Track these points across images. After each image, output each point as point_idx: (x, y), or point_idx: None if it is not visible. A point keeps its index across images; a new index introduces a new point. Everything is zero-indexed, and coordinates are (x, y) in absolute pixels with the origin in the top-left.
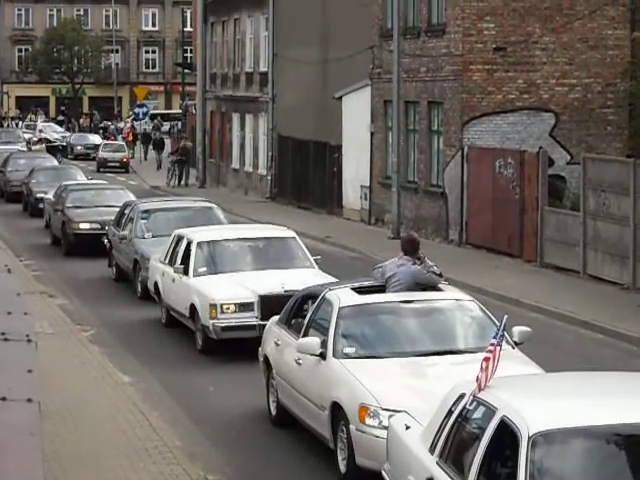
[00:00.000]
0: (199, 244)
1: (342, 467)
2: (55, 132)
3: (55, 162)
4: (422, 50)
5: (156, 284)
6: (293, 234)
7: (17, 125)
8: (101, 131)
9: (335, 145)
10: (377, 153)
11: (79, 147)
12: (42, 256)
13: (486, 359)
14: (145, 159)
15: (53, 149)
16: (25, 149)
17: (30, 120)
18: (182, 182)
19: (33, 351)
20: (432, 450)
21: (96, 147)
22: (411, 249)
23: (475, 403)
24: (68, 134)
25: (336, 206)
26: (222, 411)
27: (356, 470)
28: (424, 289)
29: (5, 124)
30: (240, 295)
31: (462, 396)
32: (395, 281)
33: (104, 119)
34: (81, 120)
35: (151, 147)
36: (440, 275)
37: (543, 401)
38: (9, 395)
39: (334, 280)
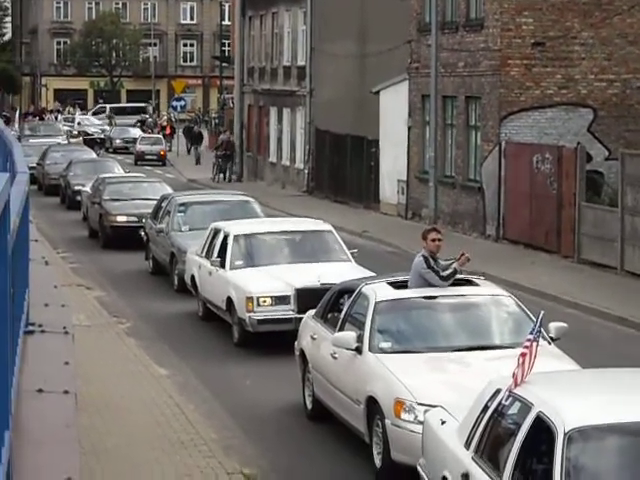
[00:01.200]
0: (236, 237)
1: (377, 461)
2: (93, 125)
3: (93, 155)
4: (460, 45)
5: (193, 277)
6: (330, 227)
7: (57, 118)
8: (139, 124)
9: (372, 139)
10: (414, 148)
11: (118, 140)
12: (79, 248)
13: (522, 355)
14: (188, 153)
15: (91, 142)
16: (66, 142)
17: (68, 113)
18: (227, 177)
19: (70, 343)
20: (467, 445)
21: (135, 140)
22: (423, 240)
23: (511, 399)
24: (108, 127)
25: (373, 200)
26: (258, 404)
27: (391, 464)
28: (457, 283)
29: (45, 117)
30: (276, 288)
31: (498, 392)
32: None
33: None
34: None
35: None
36: (448, 277)
37: (579, 397)
38: (46, 387)
39: (370, 274)
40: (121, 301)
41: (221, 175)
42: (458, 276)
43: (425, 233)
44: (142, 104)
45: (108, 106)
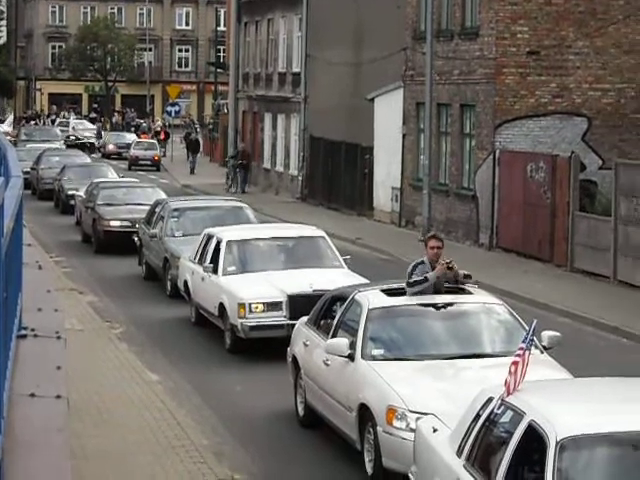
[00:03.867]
0: (228, 243)
1: (369, 469)
2: (87, 130)
3: (87, 159)
4: (455, 53)
5: (186, 283)
6: (322, 233)
7: (53, 122)
8: (133, 129)
9: (366, 146)
10: (408, 155)
11: (111, 146)
12: (73, 253)
13: (515, 363)
14: (187, 159)
15: (82, 146)
16: (63, 147)
17: (63, 117)
18: (243, 187)
19: (62, 348)
20: (459, 453)
21: (128, 146)
22: (425, 246)
23: (503, 407)
24: (102, 132)
25: (367, 208)
26: (249, 410)
27: (383, 472)
28: (450, 291)
29: (41, 122)
30: (269, 294)
31: (490, 400)
32: None
33: (137, 117)
34: (114, 118)
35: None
36: (413, 284)
37: (571, 406)
38: (38, 391)
39: (363, 280)
40: (114, 306)
41: (237, 187)
42: (450, 285)
43: (426, 240)
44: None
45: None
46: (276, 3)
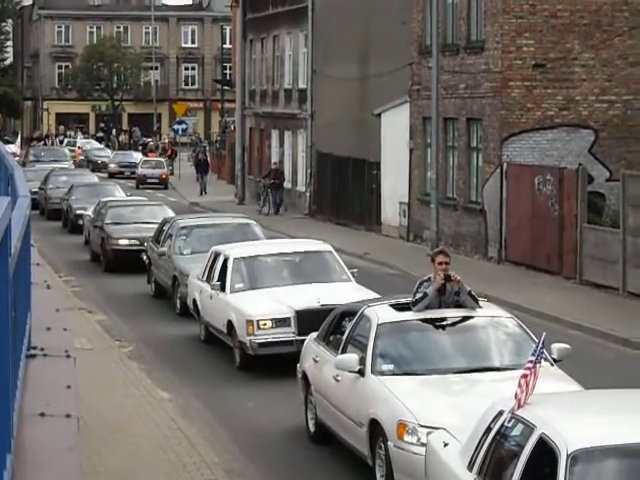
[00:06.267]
0: (235, 260)
1: None
2: (94, 149)
3: (95, 179)
4: (461, 67)
5: (195, 301)
6: (329, 248)
7: (61, 142)
8: (140, 148)
9: (374, 162)
10: (416, 170)
11: (113, 165)
12: (81, 272)
13: (525, 376)
14: (197, 181)
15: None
16: (72, 167)
17: (70, 137)
18: (276, 209)
19: (72, 367)
20: (470, 467)
21: (131, 165)
22: (432, 262)
23: (514, 420)
24: (109, 151)
25: (375, 223)
26: (260, 427)
27: None
28: (459, 305)
29: (49, 142)
30: (276, 311)
31: (501, 413)
32: None
33: (144, 135)
34: (121, 137)
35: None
36: (415, 302)
37: (582, 419)
38: (48, 411)
39: (371, 293)
40: (123, 325)
41: (270, 208)
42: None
43: (433, 256)
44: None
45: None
46: (281, 20)
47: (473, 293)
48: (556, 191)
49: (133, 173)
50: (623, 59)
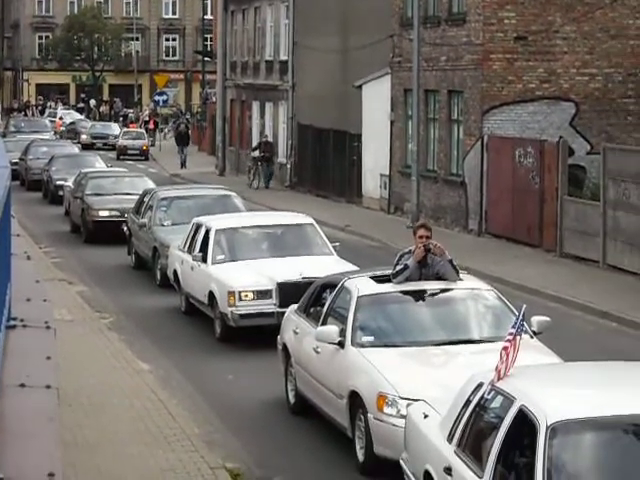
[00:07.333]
0: (217, 232)
1: (360, 456)
2: (71, 119)
3: (75, 150)
4: (442, 39)
5: (175, 272)
6: (311, 221)
7: (42, 113)
8: (121, 119)
9: (355, 134)
10: (397, 142)
11: (84, 136)
12: (61, 243)
13: (505, 348)
14: (178, 153)
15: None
16: (54, 138)
17: (50, 108)
18: (266, 183)
19: (52, 338)
20: (450, 439)
21: (104, 136)
22: (414, 235)
23: (493, 393)
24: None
25: (355, 195)
26: (240, 399)
27: (374, 459)
28: (440, 278)
29: (29, 113)
30: (258, 282)
31: (480, 385)
32: None
33: (125, 107)
34: (101, 108)
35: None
36: (395, 274)
37: (561, 391)
38: (28, 382)
39: (352, 267)
40: (103, 296)
41: (261, 181)
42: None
43: (414, 229)
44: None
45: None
46: None
47: (454, 263)
48: (537, 164)
49: (106, 145)
50: (604, 32)
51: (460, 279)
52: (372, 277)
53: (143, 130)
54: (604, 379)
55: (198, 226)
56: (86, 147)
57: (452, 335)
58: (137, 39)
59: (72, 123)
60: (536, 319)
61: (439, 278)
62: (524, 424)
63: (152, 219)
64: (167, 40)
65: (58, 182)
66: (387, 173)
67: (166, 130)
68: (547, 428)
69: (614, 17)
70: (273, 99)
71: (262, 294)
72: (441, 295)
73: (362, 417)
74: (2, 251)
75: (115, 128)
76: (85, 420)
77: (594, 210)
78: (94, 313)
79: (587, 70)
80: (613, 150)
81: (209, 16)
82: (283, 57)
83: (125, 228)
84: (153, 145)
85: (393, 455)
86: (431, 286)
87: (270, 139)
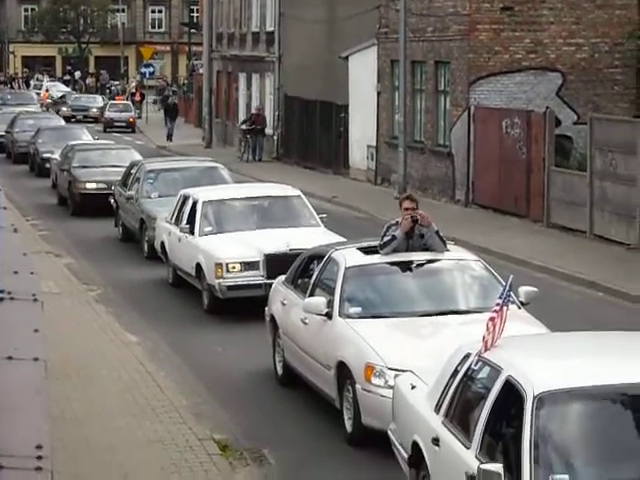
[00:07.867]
0: (204, 203)
1: (348, 426)
2: (60, 92)
3: (62, 122)
4: (429, 9)
5: (163, 244)
6: (298, 192)
7: (28, 85)
8: (108, 91)
9: (341, 105)
10: (383, 113)
11: (65, 108)
12: (49, 216)
13: (492, 319)
14: (165, 125)
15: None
16: (39, 110)
17: (37, 80)
18: (257, 156)
19: (39, 310)
20: (437, 410)
21: (84, 109)
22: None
23: (480, 363)
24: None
25: (342, 166)
26: (228, 370)
27: (362, 429)
28: (427, 248)
29: (15, 85)
30: (245, 254)
31: (468, 356)
32: None
33: (112, 79)
34: (88, 80)
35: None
36: (383, 245)
37: (548, 361)
38: (15, 354)
39: (340, 238)
40: (91, 268)
41: (251, 155)
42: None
43: (400, 201)
44: None
45: None
46: None
47: (441, 234)
48: (524, 134)
49: (86, 117)
50: (591, 2)
51: (447, 250)
52: (359, 248)
53: (130, 102)
54: (591, 349)
55: (185, 198)
56: (66, 120)
57: (439, 306)
58: (123, 11)
59: (62, 96)
60: (523, 289)
61: (426, 249)
62: (511, 395)
63: (139, 191)
64: (153, 12)
65: (45, 155)
66: (374, 144)
67: (152, 102)
68: (534, 398)
69: None
70: (260, 70)
71: (249, 265)
72: (428, 266)
73: (350, 388)
74: None
75: (98, 100)
76: (73, 392)
77: (581, 180)
78: (81, 285)
79: (574, 40)
80: (600, 120)
81: None
82: (269, 28)
83: (112, 200)
84: (140, 117)
85: (381, 426)
86: (418, 257)
87: (261, 112)
